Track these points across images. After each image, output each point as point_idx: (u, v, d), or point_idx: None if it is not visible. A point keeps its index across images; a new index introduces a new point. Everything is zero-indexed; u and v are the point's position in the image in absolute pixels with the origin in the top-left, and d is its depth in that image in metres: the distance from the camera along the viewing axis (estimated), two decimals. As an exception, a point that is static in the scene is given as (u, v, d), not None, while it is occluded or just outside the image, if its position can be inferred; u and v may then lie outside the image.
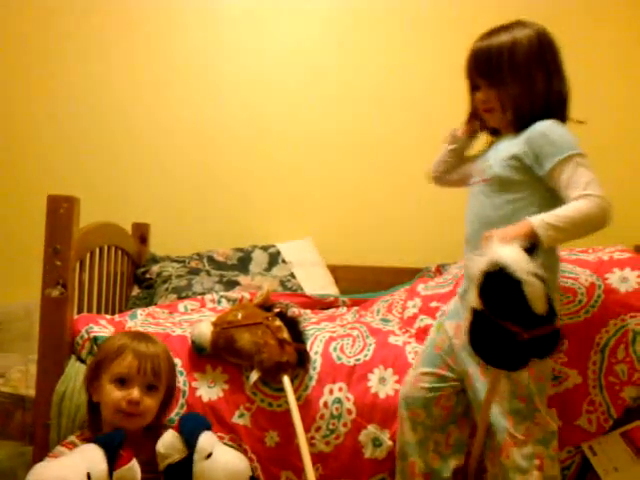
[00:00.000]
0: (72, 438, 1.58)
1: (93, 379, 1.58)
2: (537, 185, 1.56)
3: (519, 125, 1.59)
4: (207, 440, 1.51)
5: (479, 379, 1.56)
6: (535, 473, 1.49)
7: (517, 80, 1.57)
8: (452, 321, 1.68)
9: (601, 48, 2.95)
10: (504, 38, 1.59)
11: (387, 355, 1.82)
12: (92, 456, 1.41)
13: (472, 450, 1.63)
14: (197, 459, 1.47)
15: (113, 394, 1.52)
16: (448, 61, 2.93)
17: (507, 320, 1.28)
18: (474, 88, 1.65)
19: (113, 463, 1.40)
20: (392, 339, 1.90)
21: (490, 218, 1.58)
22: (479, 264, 1.30)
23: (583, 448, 1.72)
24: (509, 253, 1.27)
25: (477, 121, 1.73)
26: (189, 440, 1.48)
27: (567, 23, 2.93)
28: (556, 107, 1.59)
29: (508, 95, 1.58)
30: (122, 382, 1.53)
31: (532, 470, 1.49)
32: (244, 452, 1.66)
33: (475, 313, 1.32)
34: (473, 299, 1.32)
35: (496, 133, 1.70)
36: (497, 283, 1.28)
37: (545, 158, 1.52)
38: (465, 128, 1.77)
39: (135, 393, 1.52)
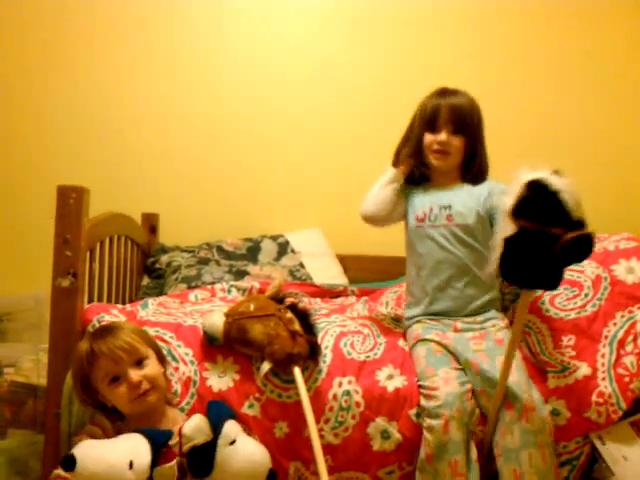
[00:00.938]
0: (101, 418, 1.59)
1: (94, 394, 1.58)
2: (490, 233, 1.77)
3: (465, 174, 1.89)
4: (232, 427, 1.53)
5: (483, 361, 1.71)
6: (548, 432, 1.63)
7: (479, 136, 1.88)
8: (432, 332, 1.82)
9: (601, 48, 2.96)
10: (468, 98, 1.88)
11: (396, 356, 1.83)
12: (138, 446, 1.42)
13: (489, 416, 1.68)
14: (221, 444, 1.48)
15: (117, 392, 1.54)
16: (450, 55, 2.98)
17: (550, 225, 1.36)
18: (433, 130, 1.86)
19: (156, 459, 1.42)
20: (401, 342, 1.90)
21: (461, 260, 1.83)
22: (517, 183, 1.39)
23: (592, 438, 1.72)
24: (541, 173, 1.39)
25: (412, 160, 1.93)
26: (215, 425, 1.50)
27: (567, 23, 2.96)
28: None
29: (470, 146, 1.85)
30: (116, 379, 1.54)
31: (547, 430, 1.63)
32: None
33: (510, 239, 1.39)
34: (507, 224, 1.39)
35: (420, 179, 1.94)
36: (536, 197, 1.37)
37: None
38: (407, 165, 1.94)
39: (133, 377, 1.53)
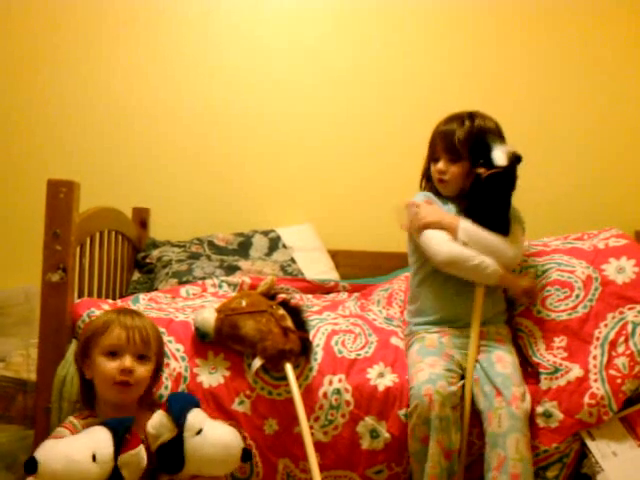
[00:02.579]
0: (71, 419, 1.59)
1: (84, 356, 1.59)
2: None
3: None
4: (196, 417, 1.52)
5: (481, 358, 1.76)
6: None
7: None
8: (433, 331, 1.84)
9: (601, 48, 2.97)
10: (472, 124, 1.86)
11: (388, 354, 1.83)
12: (99, 438, 1.42)
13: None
14: (187, 436, 1.49)
15: (105, 366, 1.54)
16: (446, 50, 2.98)
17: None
18: (434, 159, 1.89)
19: (119, 447, 1.41)
20: (394, 340, 1.90)
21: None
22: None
23: (581, 434, 1.72)
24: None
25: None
26: (178, 418, 1.50)
27: (566, 23, 2.97)
28: None
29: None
30: (113, 354, 1.55)
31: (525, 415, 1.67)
32: (243, 439, 1.67)
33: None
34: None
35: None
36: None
37: None
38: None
39: (127, 361, 1.54)
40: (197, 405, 1.58)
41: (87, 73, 2.97)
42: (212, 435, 1.52)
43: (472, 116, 1.86)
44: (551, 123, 2.95)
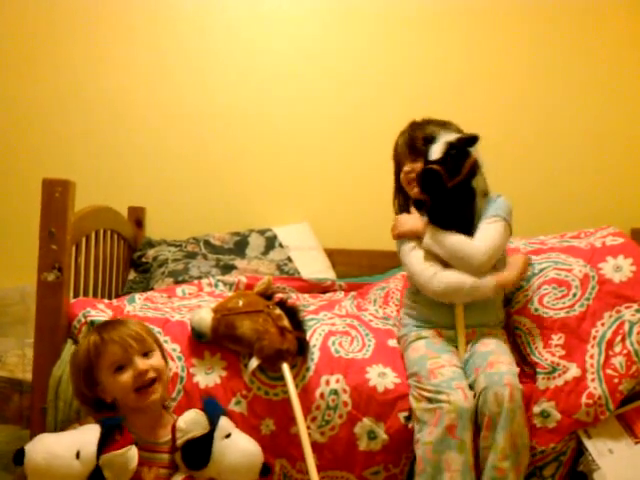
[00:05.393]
0: (89, 418, 1.56)
1: (93, 386, 1.55)
2: None
3: None
4: (227, 422, 1.57)
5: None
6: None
7: None
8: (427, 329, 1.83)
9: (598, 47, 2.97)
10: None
11: (386, 355, 1.83)
12: (87, 436, 1.41)
13: None
14: (217, 436, 1.51)
15: (121, 380, 1.51)
16: (444, 50, 2.98)
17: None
18: (412, 159, 1.87)
19: (104, 446, 1.40)
20: (391, 342, 1.89)
21: None
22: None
23: (578, 432, 1.72)
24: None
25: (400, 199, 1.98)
26: (212, 418, 1.53)
27: (565, 23, 2.97)
28: None
29: None
30: (121, 368, 1.52)
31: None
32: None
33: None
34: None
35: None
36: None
37: None
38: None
39: (139, 364, 1.52)
40: (226, 414, 1.61)
41: (83, 72, 2.96)
42: (239, 443, 1.56)
43: (427, 121, 1.90)
44: (547, 122, 2.95)
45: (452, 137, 1.75)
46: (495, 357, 1.69)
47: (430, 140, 1.78)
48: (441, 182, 1.72)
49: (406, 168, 1.88)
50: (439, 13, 2.97)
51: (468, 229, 1.78)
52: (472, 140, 1.75)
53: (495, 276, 1.77)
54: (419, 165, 1.79)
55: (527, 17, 2.96)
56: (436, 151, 1.74)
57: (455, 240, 1.75)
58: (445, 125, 1.87)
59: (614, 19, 2.96)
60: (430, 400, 1.64)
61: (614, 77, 2.96)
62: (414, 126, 1.91)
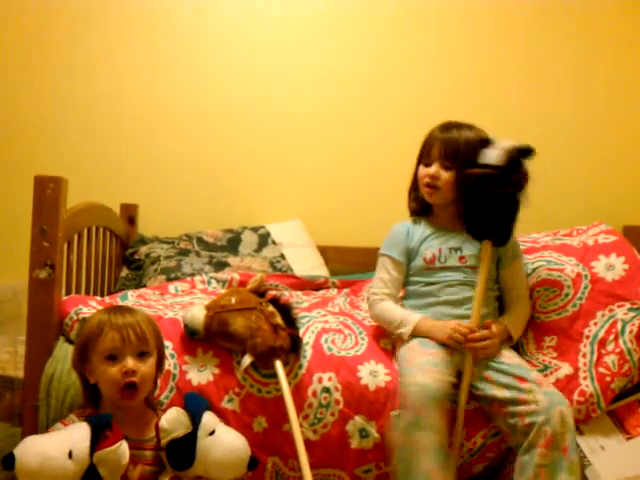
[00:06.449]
0: (71, 416, 1.56)
1: (84, 362, 1.55)
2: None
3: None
4: (211, 419, 1.54)
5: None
6: None
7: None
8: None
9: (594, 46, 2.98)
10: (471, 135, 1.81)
11: (379, 353, 1.82)
12: (77, 434, 1.40)
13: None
14: (201, 435, 1.49)
15: (108, 371, 1.50)
16: (440, 49, 2.98)
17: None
18: (427, 163, 1.85)
19: (96, 443, 1.39)
20: (384, 341, 1.88)
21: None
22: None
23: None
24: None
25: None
26: (194, 416, 1.50)
27: (563, 22, 2.97)
28: None
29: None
30: (113, 358, 1.51)
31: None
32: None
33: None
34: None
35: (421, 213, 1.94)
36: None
37: None
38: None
39: (129, 363, 1.50)
40: (209, 408, 1.59)
41: (76, 70, 2.96)
42: (224, 439, 1.53)
43: (471, 127, 1.84)
44: (540, 119, 2.95)
45: (509, 145, 1.72)
46: (534, 374, 1.69)
47: (482, 145, 1.75)
48: (490, 188, 1.70)
49: (433, 171, 1.83)
50: (439, 13, 2.98)
51: (502, 241, 1.78)
52: (528, 152, 1.73)
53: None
54: (447, 176, 1.80)
55: (525, 17, 2.96)
56: (492, 156, 1.70)
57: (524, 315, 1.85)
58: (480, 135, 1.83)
59: (613, 19, 2.96)
60: (402, 385, 1.65)
61: (607, 76, 2.97)
62: (452, 128, 1.84)
